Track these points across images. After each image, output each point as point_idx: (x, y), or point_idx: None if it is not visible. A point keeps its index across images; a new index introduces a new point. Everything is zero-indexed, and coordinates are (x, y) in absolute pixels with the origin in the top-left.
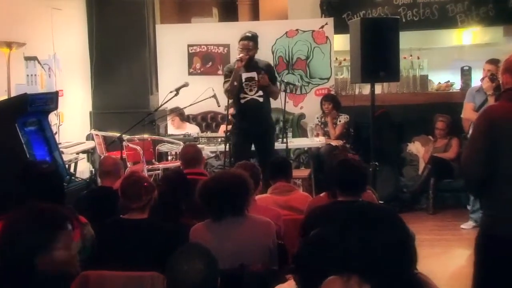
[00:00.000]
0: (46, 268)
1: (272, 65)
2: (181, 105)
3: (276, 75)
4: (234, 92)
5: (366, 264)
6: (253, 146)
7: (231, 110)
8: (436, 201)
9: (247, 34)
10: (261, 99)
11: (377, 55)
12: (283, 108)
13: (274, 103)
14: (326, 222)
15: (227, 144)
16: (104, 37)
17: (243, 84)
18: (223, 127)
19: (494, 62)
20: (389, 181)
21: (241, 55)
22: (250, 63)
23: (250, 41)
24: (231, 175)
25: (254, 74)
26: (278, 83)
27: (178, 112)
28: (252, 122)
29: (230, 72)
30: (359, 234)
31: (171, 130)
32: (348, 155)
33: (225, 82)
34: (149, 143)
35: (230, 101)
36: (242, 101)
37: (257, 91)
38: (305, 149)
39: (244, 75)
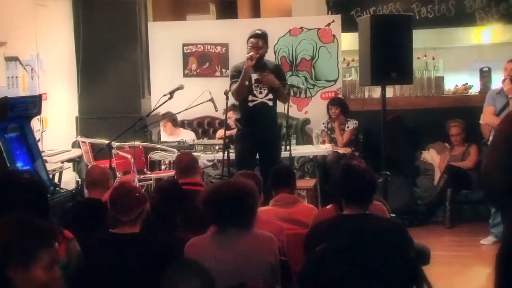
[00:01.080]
0: None
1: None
2: (176, 109)
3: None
4: (245, 93)
5: (372, 284)
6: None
7: (231, 114)
8: (453, 214)
9: (257, 31)
10: (270, 103)
11: (389, 55)
12: (286, 112)
13: (277, 107)
14: (332, 237)
15: (226, 152)
16: (91, 35)
17: (253, 86)
18: (221, 133)
19: None
20: (402, 193)
21: (251, 53)
22: (259, 64)
23: (261, 39)
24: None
25: (262, 75)
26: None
27: (170, 118)
28: (260, 127)
29: (238, 73)
30: (363, 256)
31: (164, 137)
32: (354, 161)
33: (232, 82)
34: (141, 151)
35: (229, 104)
36: (251, 104)
37: (267, 94)
38: (310, 157)
39: (254, 76)
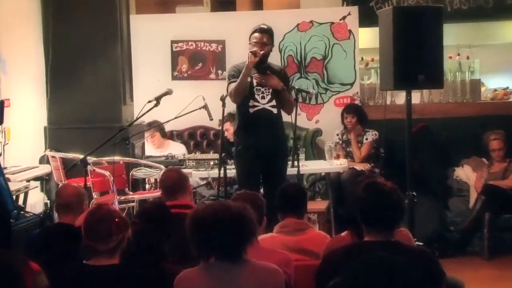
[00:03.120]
0: None
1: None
2: (163, 118)
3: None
4: (245, 92)
5: None
6: None
7: (228, 125)
8: (492, 243)
9: (263, 26)
10: (275, 110)
11: (415, 54)
12: (293, 122)
13: (282, 116)
14: (349, 269)
15: (222, 168)
16: (63, 32)
17: (254, 89)
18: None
19: None
20: (431, 217)
21: (255, 48)
22: (262, 64)
23: (266, 35)
24: (231, 208)
25: (265, 78)
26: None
27: (157, 127)
28: (263, 139)
29: (238, 73)
30: None
31: (149, 150)
32: (379, 179)
33: (231, 83)
34: (121, 168)
35: (227, 112)
36: (252, 110)
37: (270, 100)
38: (322, 174)
39: (256, 78)
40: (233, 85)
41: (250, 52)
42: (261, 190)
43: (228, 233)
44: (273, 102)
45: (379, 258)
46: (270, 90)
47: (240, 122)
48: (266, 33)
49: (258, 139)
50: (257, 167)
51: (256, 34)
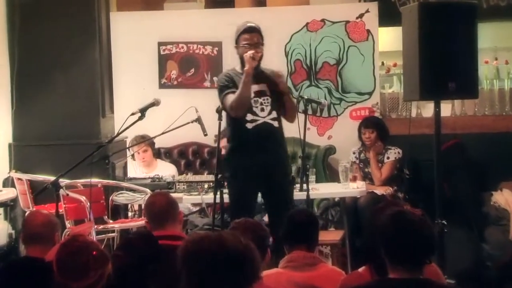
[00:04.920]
0: None
1: (285, 73)
2: (148, 134)
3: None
4: (249, 104)
5: None
6: (259, 195)
7: (224, 142)
8: None
9: (250, 24)
10: (276, 123)
11: (445, 58)
12: (302, 138)
13: (288, 131)
14: None
15: (219, 192)
16: (31, 33)
17: (252, 100)
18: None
19: None
20: (464, 250)
21: (251, 51)
22: (255, 70)
23: (256, 34)
24: (229, 245)
25: (264, 87)
26: (294, 100)
27: (149, 142)
28: (265, 158)
29: (231, 82)
30: None
31: (134, 170)
32: (406, 208)
33: (226, 94)
34: (100, 192)
35: (223, 127)
36: (250, 125)
37: (270, 111)
38: (336, 200)
39: (253, 87)
40: (231, 97)
41: (248, 56)
42: (264, 218)
43: (224, 278)
44: (274, 114)
45: None
46: (269, 100)
47: (235, 141)
48: (256, 32)
49: (259, 159)
50: (255, 192)
51: (246, 35)
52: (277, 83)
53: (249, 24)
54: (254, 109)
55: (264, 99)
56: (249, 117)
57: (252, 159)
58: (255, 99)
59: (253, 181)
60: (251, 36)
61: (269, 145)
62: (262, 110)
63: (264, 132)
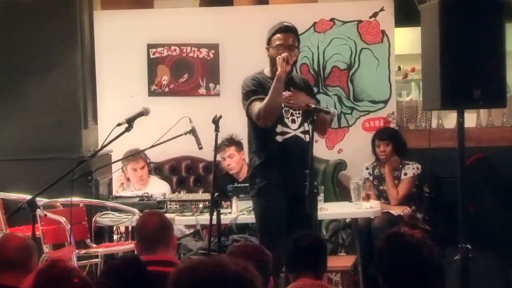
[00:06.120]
0: None
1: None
2: (137, 146)
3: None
4: (278, 113)
5: None
6: None
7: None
8: None
9: (286, 24)
10: (306, 137)
11: (469, 62)
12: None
13: None
14: None
15: (216, 212)
16: (4, 35)
17: (282, 110)
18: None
19: None
20: (492, 279)
21: (285, 54)
22: (287, 76)
23: (292, 35)
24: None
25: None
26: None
27: (145, 158)
28: (294, 174)
29: (259, 87)
30: None
31: (121, 187)
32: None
33: (253, 100)
34: (82, 212)
35: (223, 139)
36: (281, 138)
37: (301, 124)
38: (347, 221)
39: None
40: (258, 105)
41: (281, 58)
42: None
43: None
44: (304, 127)
45: None
46: (301, 112)
47: (264, 155)
48: (292, 32)
49: (288, 176)
50: (285, 210)
51: (280, 35)
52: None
53: (285, 24)
54: (285, 120)
55: (295, 109)
56: (279, 128)
57: (281, 175)
58: (286, 108)
59: (282, 197)
60: (286, 37)
61: (299, 160)
62: (293, 121)
63: (294, 147)
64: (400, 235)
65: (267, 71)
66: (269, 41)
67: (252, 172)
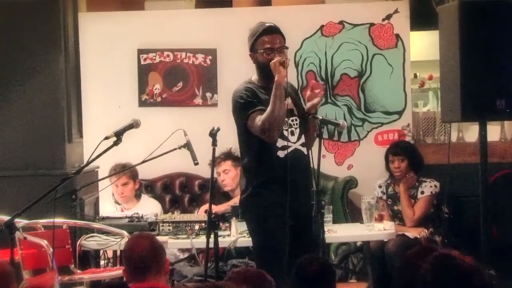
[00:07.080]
0: None
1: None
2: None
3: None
4: (284, 121)
5: None
6: None
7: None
8: None
9: (269, 24)
10: (305, 150)
11: (491, 69)
12: (315, 167)
13: None
14: None
15: (213, 235)
16: None
17: None
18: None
19: None
20: None
21: (278, 57)
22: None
23: (278, 35)
24: None
25: (291, 104)
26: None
27: (130, 174)
28: (297, 192)
29: (256, 98)
30: None
31: (107, 207)
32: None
33: (253, 112)
34: (65, 235)
35: (220, 153)
36: (282, 153)
37: (300, 135)
38: (358, 244)
39: None
40: (258, 117)
41: (277, 63)
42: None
43: None
44: (303, 139)
45: None
46: (298, 121)
47: (266, 173)
48: (278, 33)
49: (292, 194)
50: (288, 234)
51: (266, 38)
52: (312, 101)
53: (267, 24)
54: (285, 132)
55: (293, 120)
56: (280, 142)
57: (285, 194)
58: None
59: (285, 219)
60: (273, 38)
61: (301, 176)
62: (292, 133)
63: (295, 161)
64: (450, 258)
65: (255, 79)
66: (252, 47)
67: (252, 192)
